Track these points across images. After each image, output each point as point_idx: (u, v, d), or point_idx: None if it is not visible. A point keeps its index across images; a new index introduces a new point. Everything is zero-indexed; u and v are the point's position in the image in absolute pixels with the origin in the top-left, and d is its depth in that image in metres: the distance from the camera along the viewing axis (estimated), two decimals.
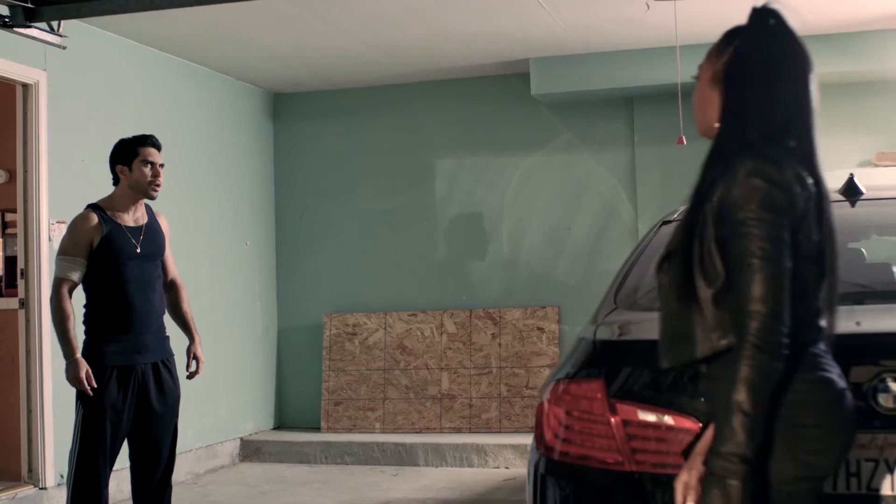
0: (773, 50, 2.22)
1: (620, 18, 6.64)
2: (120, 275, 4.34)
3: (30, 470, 5.88)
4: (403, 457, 7.51)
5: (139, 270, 4.39)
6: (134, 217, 4.45)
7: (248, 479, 7.18)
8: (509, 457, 7.29)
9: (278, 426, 8.47)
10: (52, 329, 5.84)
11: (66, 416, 5.96)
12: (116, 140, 6.48)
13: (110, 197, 4.48)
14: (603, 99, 7.86)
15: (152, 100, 7.04)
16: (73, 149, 6.20)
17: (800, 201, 2.08)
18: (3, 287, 6.35)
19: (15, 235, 6.13)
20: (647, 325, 2.47)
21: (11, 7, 5.19)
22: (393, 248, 8.36)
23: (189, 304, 4.77)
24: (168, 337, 4.57)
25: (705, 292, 2.10)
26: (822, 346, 2.13)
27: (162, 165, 4.46)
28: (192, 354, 4.65)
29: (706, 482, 2.02)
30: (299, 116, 8.62)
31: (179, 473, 6.54)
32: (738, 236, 2.05)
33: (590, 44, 7.30)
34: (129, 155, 4.42)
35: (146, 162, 4.40)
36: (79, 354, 4.27)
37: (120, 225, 4.38)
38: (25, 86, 5.91)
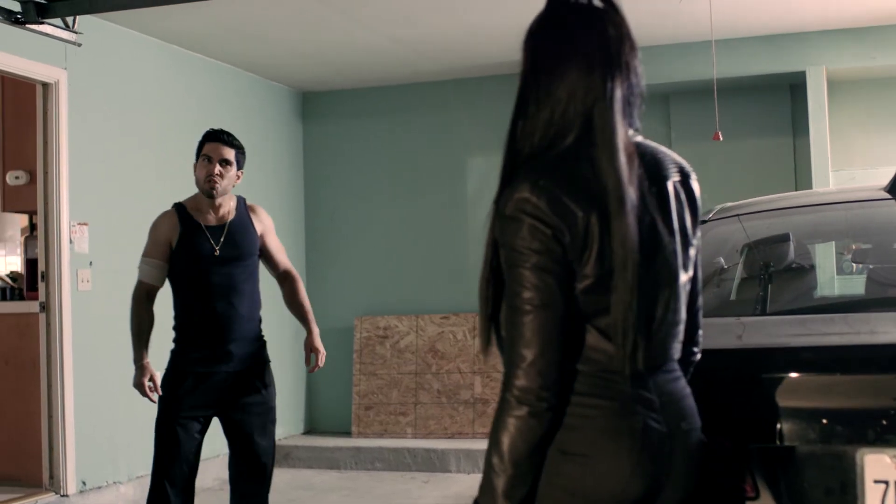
0: (565, 43, 1.84)
1: (654, 12, 6.43)
2: (199, 279, 4.03)
3: (51, 477, 5.78)
4: (435, 463, 7.34)
5: (221, 274, 4.04)
6: (218, 215, 4.11)
7: (276, 486, 6.99)
8: None
9: (308, 431, 8.34)
10: (73, 333, 5.82)
11: (88, 421, 5.89)
12: (139, 140, 6.46)
13: (193, 195, 4.17)
14: None
15: (177, 99, 6.92)
16: (94, 149, 6.09)
17: (575, 231, 1.73)
18: (25, 290, 6.25)
19: (36, 238, 6.02)
20: None
21: (23, 3, 5.08)
22: (425, 248, 8.20)
23: (306, 295, 4.48)
24: (264, 343, 4.28)
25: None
26: (669, 371, 1.86)
27: (225, 162, 4.07)
28: (309, 347, 4.34)
29: None
30: (329, 116, 8.49)
31: (206, 479, 6.43)
32: (506, 275, 1.77)
33: None
34: (197, 152, 4.13)
35: (206, 157, 4.06)
36: (146, 360, 3.98)
37: (199, 224, 4.06)
38: (45, 85, 5.81)
